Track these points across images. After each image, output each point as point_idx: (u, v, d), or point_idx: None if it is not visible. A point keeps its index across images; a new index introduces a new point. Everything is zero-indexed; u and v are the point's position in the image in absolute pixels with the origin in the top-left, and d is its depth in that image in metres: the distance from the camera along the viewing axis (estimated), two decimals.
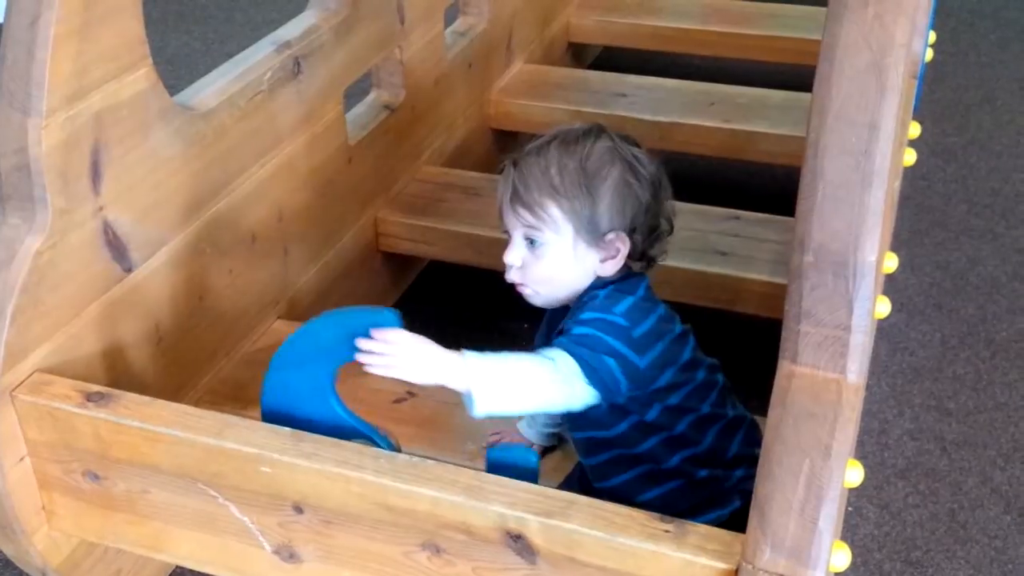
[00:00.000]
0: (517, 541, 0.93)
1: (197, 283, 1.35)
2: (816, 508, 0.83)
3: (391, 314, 1.01)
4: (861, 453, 1.57)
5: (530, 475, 0.98)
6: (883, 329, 1.84)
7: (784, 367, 0.88)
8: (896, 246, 2.05)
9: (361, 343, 0.97)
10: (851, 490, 1.50)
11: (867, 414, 1.65)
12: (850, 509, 1.48)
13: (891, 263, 1.76)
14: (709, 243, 1.69)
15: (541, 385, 1.01)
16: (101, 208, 1.16)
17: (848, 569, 1.39)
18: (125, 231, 1.20)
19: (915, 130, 2.16)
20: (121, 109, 1.17)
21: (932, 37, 2.45)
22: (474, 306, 1.92)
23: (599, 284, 1.10)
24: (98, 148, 1.14)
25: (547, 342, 1.14)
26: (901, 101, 0.85)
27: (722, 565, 0.87)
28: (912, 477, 1.55)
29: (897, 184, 1.69)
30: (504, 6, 2.19)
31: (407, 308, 1.91)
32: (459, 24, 2.12)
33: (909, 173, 2.30)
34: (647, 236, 1.11)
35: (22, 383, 1.08)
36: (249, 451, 1.00)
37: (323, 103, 1.58)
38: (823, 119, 0.83)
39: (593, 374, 1.02)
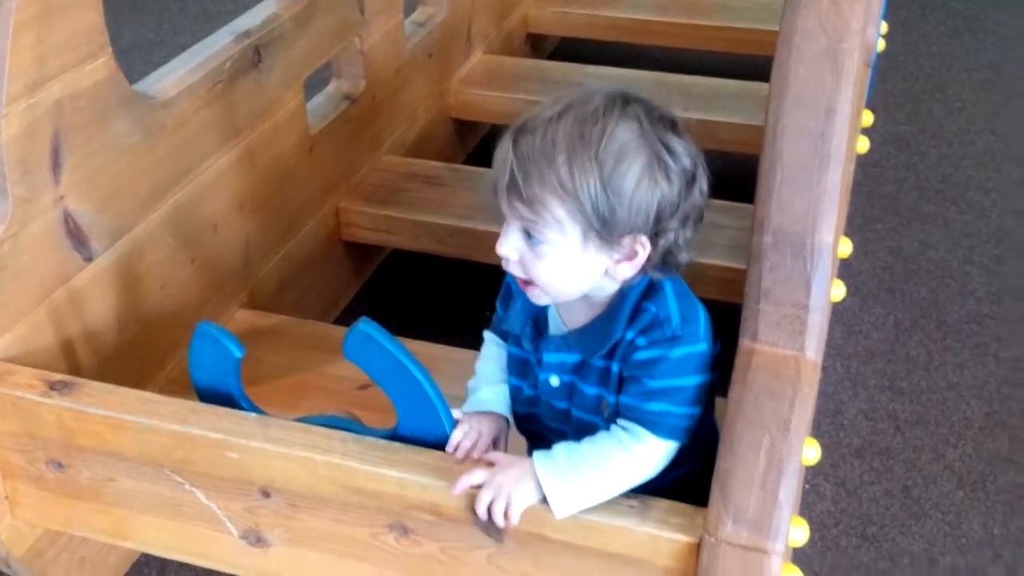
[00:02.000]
0: (484, 520, 0.94)
1: (159, 273, 1.34)
2: (776, 481, 0.86)
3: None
4: (817, 432, 1.60)
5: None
6: (838, 312, 1.88)
7: (744, 345, 0.90)
8: (850, 232, 2.08)
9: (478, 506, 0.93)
10: (808, 468, 1.53)
11: (823, 395, 1.69)
12: (807, 487, 1.52)
13: (846, 248, 1.81)
14: None
15: (619, 480, 0.92)
16: (61, 197, 1.15)
17: (806, 545, 1.42)
18: (86, 220, 1.19)
19: (868, 118, 2.21)
20: (81, 98, 1.16)
21: (884, 28, 2.51)
22: (436, 295, 1.93)
23: (642, 281, 0.95)
24: (58, 137, 1.13)
25: (523, 327, 1.02)
26: (856, 86, 0.88)
27: (685, 538, 0.89)
28: (867, 455, 1.58)
29: (851, 170, 1.73)
30: None
31: (369, 297, 1.95)
32: (418, 14, 2.13)
33: (862, 161, 2.34)
34: (672, 239, 0.93)
35: None
36: (215, 437, 1.00)
37: (283, 92, 1.58)
38: (781, 103, 0.85)
39: (679, 433, 0.93)
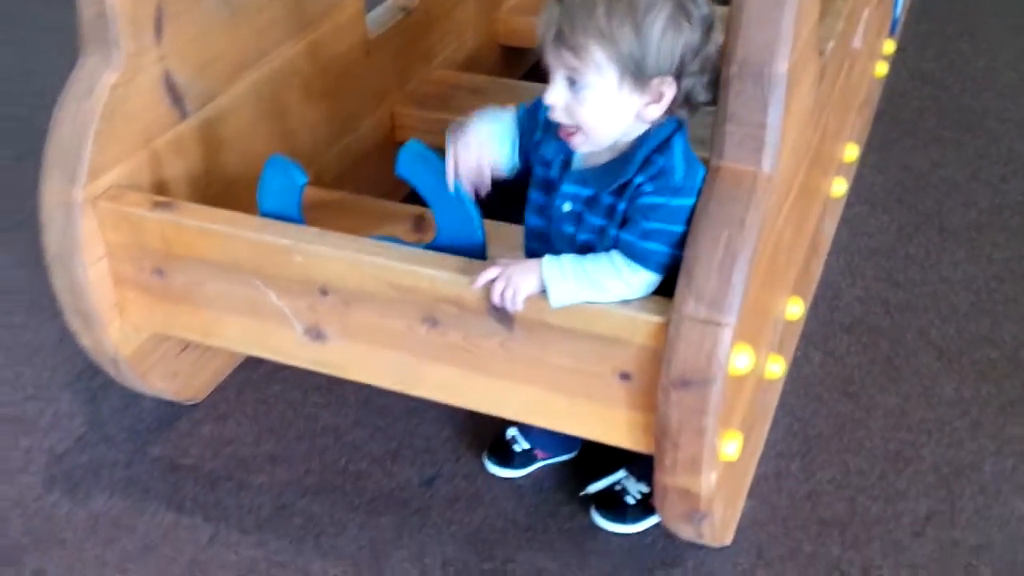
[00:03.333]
0: (497, 310, 1.15)
1: (239, 140, 1.58)
2: (731, 267, 1.05)
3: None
4: (812, 312, 1.78)
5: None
6: (845, 217, 2.05)
7: (712, 163, 1.10)
8: (867, 151, 2.25)
9: (480, 283, 1.14)
10: (800, 337, 1.72)
11: (822, 284, 1.86)
12: (799, 353, 1.70)
13: (852, 153, 1.98)
14: None
15: (607, 295, 1.12)
16: (163, 57, 1.39)
17: (790, 397, 1.62)
18: (182, 81, 1.43)
19: (890, 47, 2.36)
20: None
21: None
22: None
23: (657, 136, 1.12)
24: (161, 4, 1.36)
25: (555, 156, 1.18)
26: None
27: (657, 319, 1.09)
28: (856, 331, 1.76)
29: (867, 80, 1.87)
30: None
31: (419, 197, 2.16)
32: None
33: (887, 91, 2.50)
34: (692, 82, 1.09)
35: (102, 194, 1.31)
36: (285, 243, 1.23)
37: None
38: None
39: (663, 269, 1.12)
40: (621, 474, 1.42)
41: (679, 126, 1.16)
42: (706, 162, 1.12)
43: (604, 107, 1.09)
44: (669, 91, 1.09)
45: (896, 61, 2.46)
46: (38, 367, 1.69)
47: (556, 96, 1.10)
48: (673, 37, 1.07)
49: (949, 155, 2.27)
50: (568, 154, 1.19)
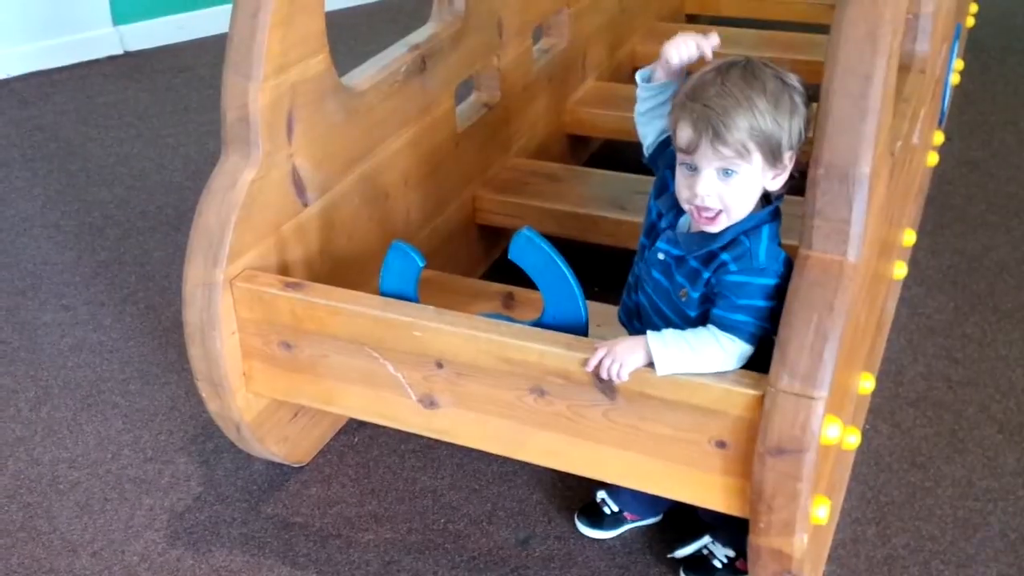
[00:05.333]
0: (602, 382, 1.27)
1: (349, 224, 1.73)
2: (821, 347, 1.16)
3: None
4: (878, 388, 1.87)
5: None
6: (904, 298, 2.15)
7: (802, 253, 1.22)
8: (920, 236, 2.36)
9: (592, 363, 1.26)
10: (868, 412, 1.82)
11: (885, 361, 1.96)
12: (868, 427, 1.79)
13: (911, 237, 2.10)
14: None
15: (707, 362, 1.23)
16: (291, 155, 1.55)
17: (862, 467, 1.71)
18: (305, 175, 1.59)
19: (939, 138, 2.49)
20: (308, 83, 1.55)
21: (960, 64, 2.79)
22: None
23: (751, 220, 1.25)
24: (292, 110, 1.53)
25: (668, 211, 1.32)
26: (890, 62, 1.20)
27: (753, 392, 1.20)
28: (921, 406, 1.85)
29: (921, 170, 2.00)
30: (580, 30, 2.58)
31: (496, 270, 2.30)
32: (543, 43, 2.51)
33: (936, 178, 2.62)
34: (799, 152, 1.25)
35: (238, 275, 1.46)
36: (406, 319, 1.36)
37: (440, 95, 1.97)
38: (832, 71, 1.17)
39: (754, 340, 1.25)
40: (706, 539, 1.51)
41: (773, 217, 1.29)
42: (792, 249, 1.25)
43: (749, 188, 1.24)
44: (791, 163, 1.25)
45: (944, 150, 2.59)
46: (154, 431, 1.82)
47: (710, 187, 1.23)
48: (797, 118, 1.23)
49: (999, 239, 2.38)
50: (675, 219, 1.34)
